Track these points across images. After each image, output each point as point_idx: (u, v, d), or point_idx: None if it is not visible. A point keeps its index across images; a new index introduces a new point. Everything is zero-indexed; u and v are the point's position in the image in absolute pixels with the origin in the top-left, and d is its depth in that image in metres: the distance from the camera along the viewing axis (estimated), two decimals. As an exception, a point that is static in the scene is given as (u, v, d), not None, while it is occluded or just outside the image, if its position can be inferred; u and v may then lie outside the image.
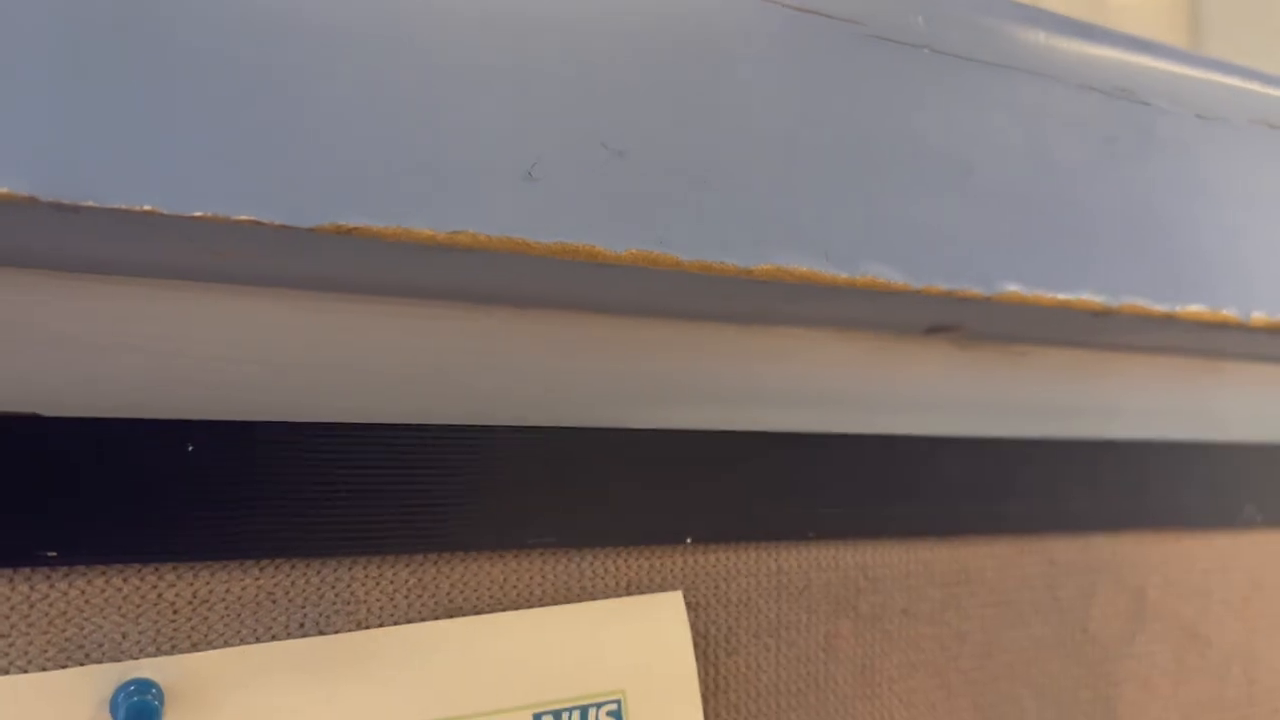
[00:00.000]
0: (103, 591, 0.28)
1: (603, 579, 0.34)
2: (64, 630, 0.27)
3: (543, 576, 0.33)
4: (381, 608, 0.31)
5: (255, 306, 0.32)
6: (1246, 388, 0.55)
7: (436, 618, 0.31)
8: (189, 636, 0.29)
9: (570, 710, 0.32)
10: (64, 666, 0.27)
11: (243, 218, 0.24)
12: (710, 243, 0.30)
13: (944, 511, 0.40)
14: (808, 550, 0.38)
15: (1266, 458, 0.50)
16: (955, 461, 0.41)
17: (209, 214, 0.24)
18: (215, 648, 0.29)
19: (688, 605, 0.35)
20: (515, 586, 0.33)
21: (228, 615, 0.29)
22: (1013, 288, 0.36)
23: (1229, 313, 0.41)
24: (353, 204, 0.26)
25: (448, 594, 0.32)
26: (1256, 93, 0.43)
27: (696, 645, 0.35)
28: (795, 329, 0.42)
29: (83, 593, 0.27)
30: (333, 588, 0.30)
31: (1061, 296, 0.37)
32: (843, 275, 0.32)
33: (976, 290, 0.35)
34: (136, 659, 0.28)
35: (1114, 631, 0.45)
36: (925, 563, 0.40)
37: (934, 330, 0.43)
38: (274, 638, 0.29)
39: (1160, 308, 0.39)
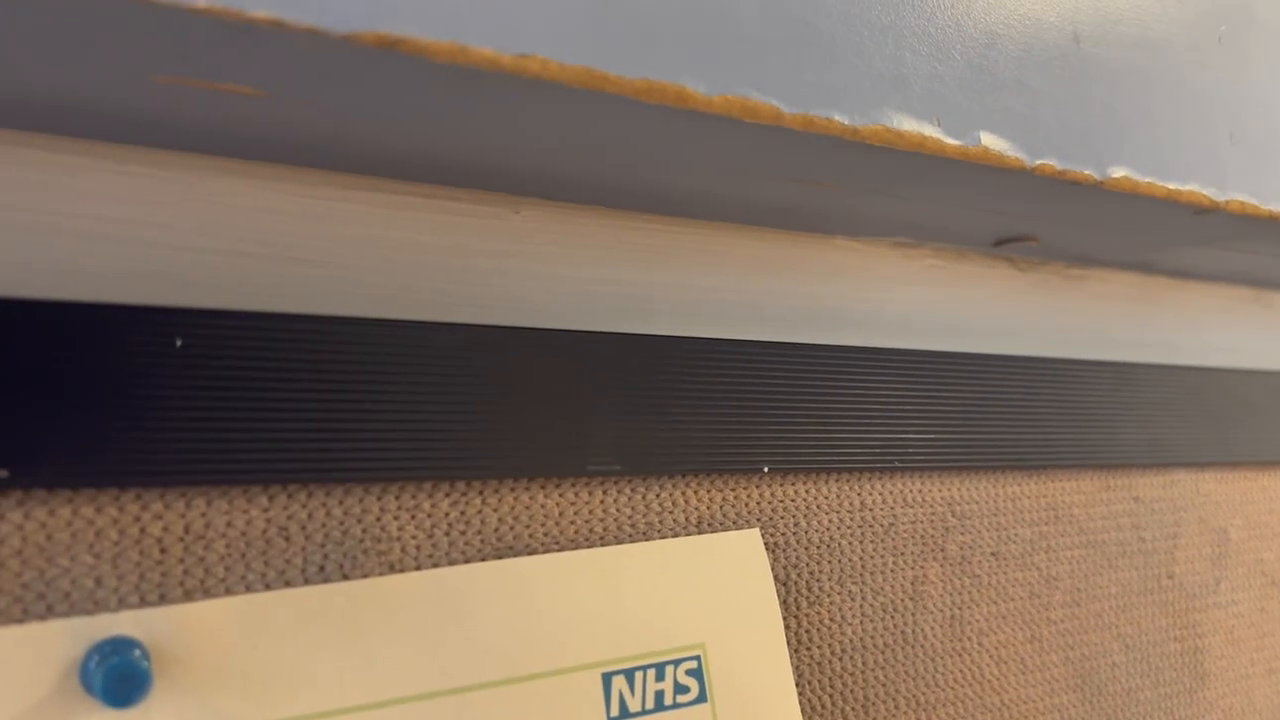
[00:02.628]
0: (70, 524, 0.21)
1: (670, 513, 0.29)
2: (20, 574, 0.21)
3: (604, 510, 0.28)
4: (418, 546, 0.25)
5: (258, 187, 0.26)
6: (1296, 322, 0.51)
7: (483, 558, 0.26)
8: (181, 583, 0.22)
9: (645, 669, 0.27)
10: (20, 621, 0.21)
11: (261, 14, 0.18)
12: (813, 94, 0.25)
13: (1030, 440, 0.36)
14: (892, 482, 0.33)
15: (1336, 390, 0.47)
16: (1036, 384, 0.36)
17: (216, 5, 0.18)
18: (214, 596, 0.23)
19: (766, 545, 0.30)
20: (573, 522, 0.27)
21: (229, 555, 0.23)
22: (1125, 172, 0.31)
23: (1331, 216, 0.37)
24: (400, 9, 0.20)
25: (495, 530, 0.26)
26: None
27: (777, 592, 0.30)
28: (853, 241, 0.37)
29: (43, 525, 0.21)
30: (359, 521, 0.24)
31: (1171, 186, 0.32)
32: (955, 143, 0.27)
33: (1089, 173, 0.30)
34: (115, 611, 0.22)
35: (1199, 576, 0.40)
36: (1013, 498, 0.35)
37: (1005, 242, 0.38)
38: (287, 584, 0.23)
39: (1267, 207, 0.35)
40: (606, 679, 0.26)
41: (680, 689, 0.27)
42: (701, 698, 0.27)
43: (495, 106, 0.23)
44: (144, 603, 0.22)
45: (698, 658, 0.27)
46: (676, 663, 0.27)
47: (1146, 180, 0.32)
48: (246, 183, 0.26)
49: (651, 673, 0.27)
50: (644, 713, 0.26)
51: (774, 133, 0.25)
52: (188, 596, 0.22)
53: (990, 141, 0.28)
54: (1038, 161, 0.29)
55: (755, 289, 0.34)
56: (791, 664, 0.30)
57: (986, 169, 0.29)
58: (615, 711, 0.26)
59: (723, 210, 0.33)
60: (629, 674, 0.26)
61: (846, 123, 0.26)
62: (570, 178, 0.29)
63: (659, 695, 0.27)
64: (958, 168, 0.29)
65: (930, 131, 0.27)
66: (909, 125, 0.27)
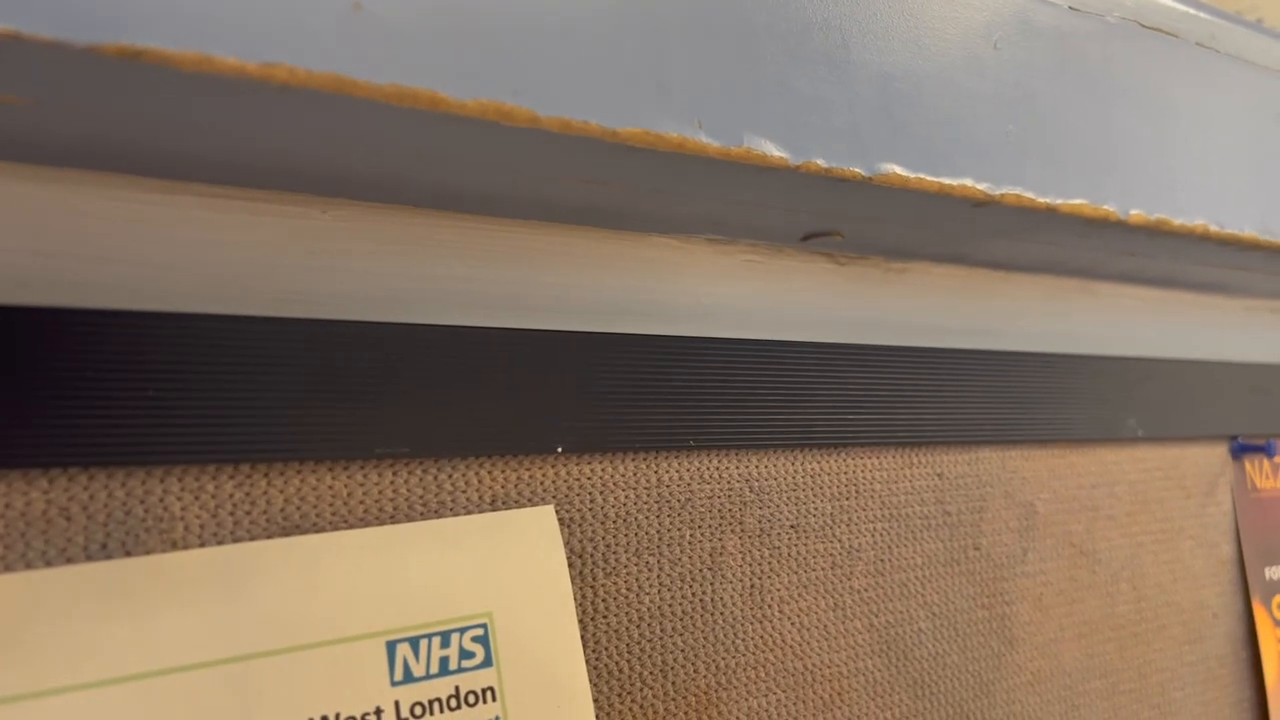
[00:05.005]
0: None
1: (464, 493, 0.30)
2: None
3: (394, 491, 0.29)
4: (202, 525, 0.27)
5: (63, 191, 0.28)
6: (1118, 308, 0.54)
7: (269, 537, 0.27)
8: (-40, 561, 0.24)
9: (429, 636, 0.28)
10: None
11: (-2, 27, 0.20)
12: (572, 99, 0.27)
13: (831, 421, 0.38)
14: (689, 460, 0.35)
15: (1146, 372, 0.50)
16: (841, 369, 0.39)
17: (-47, 19, 0.20)
18: (-6, 573, 0.24)
19: (561, 521, 0.32)
20: (362, 502, 0.29)
21: (9, 534, 0.24)
22: (893, 168, 0.34)
23: (1109, 208, 0.40)
24: (144, 22, 0.22)
25: (281, 510, 0.28)
26: (1125, -10, 0.42)
27: (572, 564, 0.32)
28: (668, 238, 0.39)
29: None
30: (142, 502, 0.26)
31: (944, 180, 0.35)
32: (717, 145, 0.30)
33: (857, 170, 0.33)
34: (-109, 588, 0.23)
35: (1006, 548, 0.43)
36: (812, 474, 0.38)
37: (811, 237, 0.41)
38: (69, 561, 0.25)
39: (1042, 199, 0.38)
40: (391, 646, 0.28)
41: (466, 654, 0.29)
42: (487, 662, 0.29)
43: (253, 109, 0.25)
44: (-80, 579, 0.23)
45: (484, 625, 0.29)
46: (462, 630, 0.29)
47: (916, 176, 0.34)
48: (48, 187, 0.28)
49: (437, 640, 0.28)
50: (428, 677, 0.28)
51: (534, 135, 0.27)
52: (-34, 573, 0.24)
53: (753, 142, 0.30)
54: (802, 160, 0.31)
55: (564, 283, 0.36)
56: (586, 631, 0.32)
57: (753, 169, 0.31)
58: (399, 676, 0.28)
59: (531, 209, 0.35)
60: (414, 641, 0.28)
61: (605, 125, 0.28)
62: (374, 179, 0.31)
63: (444, 661, 0.28)
64: (725, 168, 0.31)
65: (691, 134, 0.29)
66: (670, 128, 0.29)
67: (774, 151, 0.31)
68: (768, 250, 0.42)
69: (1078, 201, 0.39)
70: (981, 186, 0.36)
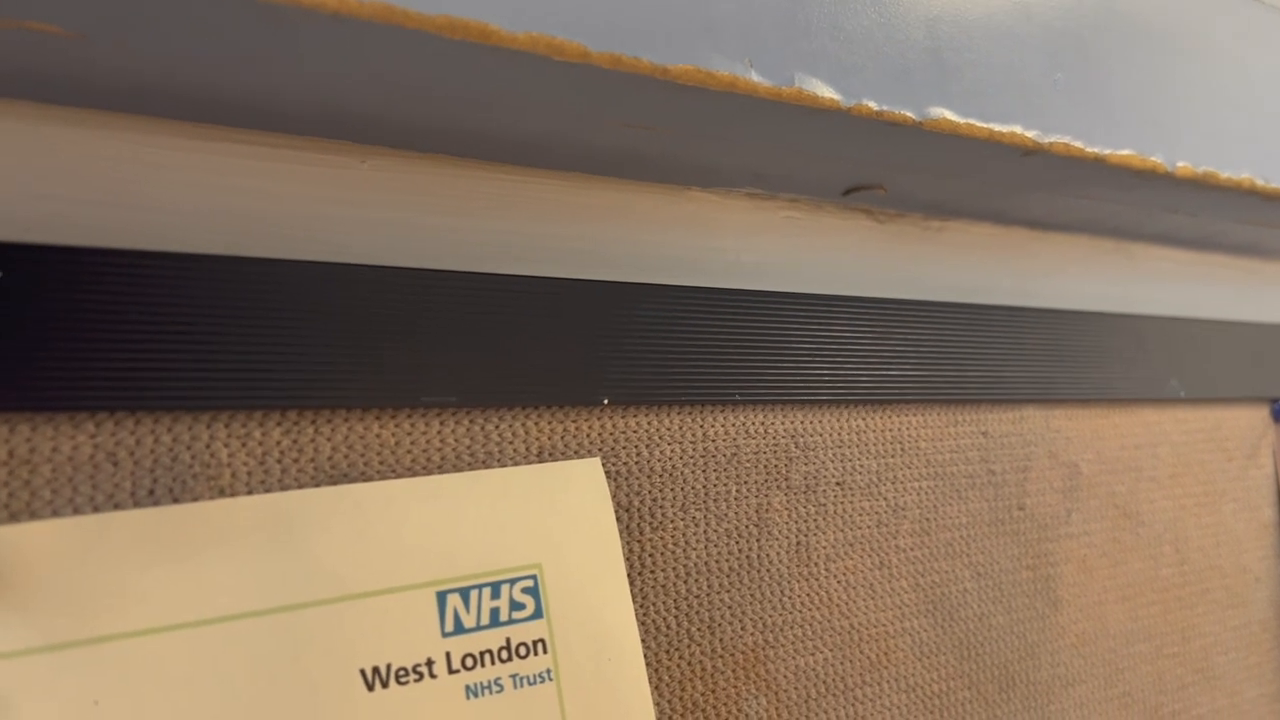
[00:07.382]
0: (-110, 448, 0.22)
1: (510, 444, 0.30)
2: None
3: (441, 440, 0.29)
4: (250, 472, 0.26)
5: (102, 136, 0.27)
6: (1155, 270, 0.53)
7: (317, 485, 0.27)
8: (7, 505, 0.23)
9: (480, 587, 0.28)
10: None
11: (46, -54, 0.19)
12: (623, 35, 0.26)
13: (875, 376, 0.37)
14: (735, 414, 0.34)
15: (1187, 332, 0.49)
16: (884, 324, 0.38)
17: (0, -64, 0.19)
18: (41, 518, 0.24)
19: (607, 474, 0.31)
20: (409, 451, 0.28)
21: (56, 479, 0.24)
22: (943, 113, 0.33)
23: (1157, 159, 0.39)
24: (190, -55, 0.21)
25: (329, 458, 0.27)
26: (1171, -62, 0.42)
27: (619, 518, 0.31)
28: (707, 193, 0.38)
29: None
30: (189, 448, 0.25)
31: (993, 127, 0.34)
32: (768, 84, 0.29)
33: (908, 114, 0.32)
34: (-61, 532, 0.22)
35: (1050, 508, 0.43)
36: (858, 431, 0.37)
37: (852, 191, 0.40)
38: (116, 506, 0.24)
39: (1091, 149, 0.37)
40: (441, 596, 0.27)
41: (516, 606, 0.28)
42: (538, 614, 0.28)
43: (301, 43, 0.24)
44: (-32, 523, 0.23)
45: (534, 577, 0.29)
46: (512, 581, 0.28)
47: (966, 121, 0.33)
48: (90, 132, 0.27)
49: (487, 591, 0.28)
50: (479, 628, 0.27)
51: (584, 71, 0.26)
52: (13, 518, 0.23)
53: (805, 83, 0.30)
54: (854, 103, 0.31)
55: (605, 237, 0.35)
56: (634, 586, 0.31)
57: (804, 110, 0.30)
58: (450, 627, 0.27)
59: (571, 160, 0.34)
60: (464, 592, 0.28)
61: (655, 62, 0.27)
62: (414, 125, 0.30)
63: (494, 611, 0.28)
64: (777, 109, 0.30)
65: (742, 73, 0.28)
66: (721, 66, 0.28)
67: (826, 92, 0.30)
68: (808, 206, 0.41)
69: (1126, 152, 0.38)
70: (1030, 134, 0.35)
